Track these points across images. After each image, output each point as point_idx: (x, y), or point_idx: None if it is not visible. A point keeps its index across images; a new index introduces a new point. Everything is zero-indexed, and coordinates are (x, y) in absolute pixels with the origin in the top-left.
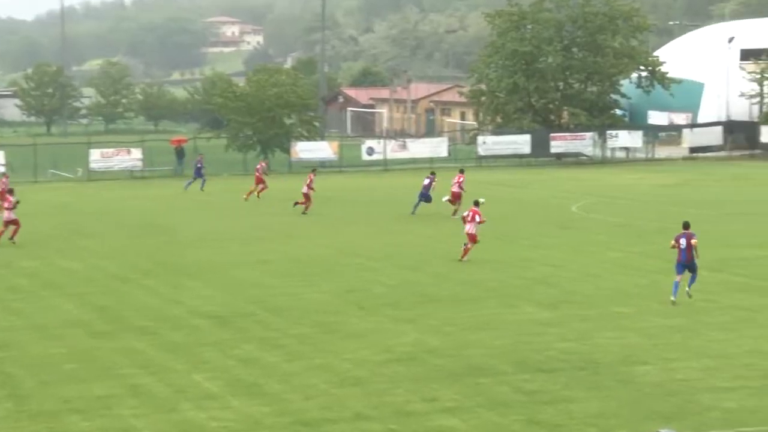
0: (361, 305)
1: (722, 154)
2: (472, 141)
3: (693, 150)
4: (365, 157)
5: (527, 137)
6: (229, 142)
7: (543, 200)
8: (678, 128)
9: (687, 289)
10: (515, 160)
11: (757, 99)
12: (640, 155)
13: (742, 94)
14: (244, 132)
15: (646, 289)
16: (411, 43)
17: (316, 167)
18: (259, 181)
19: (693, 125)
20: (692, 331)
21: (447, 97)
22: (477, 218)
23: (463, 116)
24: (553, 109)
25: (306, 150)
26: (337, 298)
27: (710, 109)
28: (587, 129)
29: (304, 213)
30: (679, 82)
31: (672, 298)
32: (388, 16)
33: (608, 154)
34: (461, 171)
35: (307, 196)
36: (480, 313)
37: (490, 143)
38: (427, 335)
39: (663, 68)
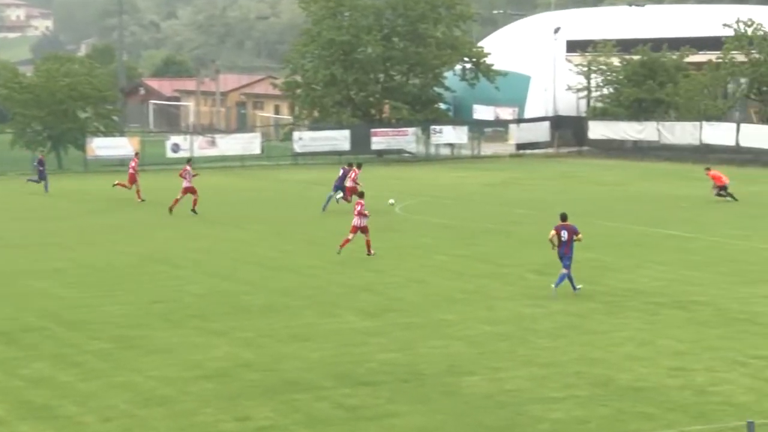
0: (166, 317)
1: (550, 150)
2: (287, 137)
3: (520, 146)
4: (170, 154)
5: (346, 133)
6: (15, 138)
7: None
8: (504, 123)
9: (557, 285)
10: (334, 157)
11: (584, 93)
12: (466, 152)
13: (569, 88)
14: (33, 127)
15: (472, 295)
16: (219, 30)
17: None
18: (133, 179)
19: (520, 120)
20: (520, 338)
21: (259, 89)
22: (358, 208)
23: (277, 110)
24: (374, 103)
25: (103, 147)
26: (139, 309)
27: (537, 104)
28: (410, 124)
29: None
30: (504, 74)
31: (574, 291)
32: (193, 1)
33: (432, 150)
34: (358, 166)
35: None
36: (297, 323)
37: (306, 139)
38: (239, 349)
39: (488, 60)
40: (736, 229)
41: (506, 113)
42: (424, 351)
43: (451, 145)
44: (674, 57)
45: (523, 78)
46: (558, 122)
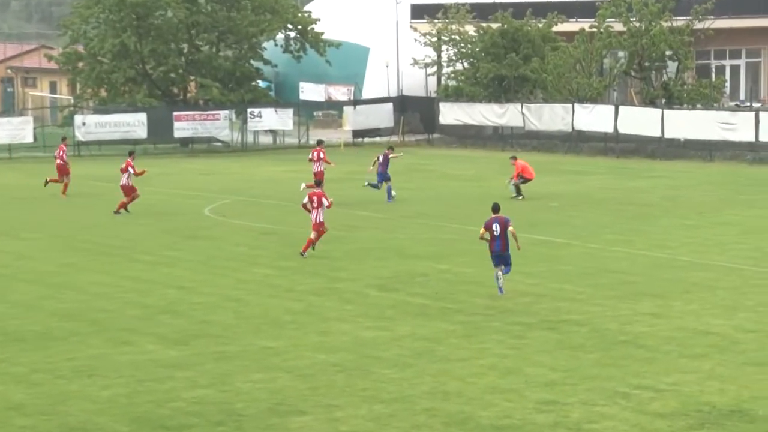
0: None
1: (394, 138)
2: (67, 122)
3: (357, 134)
4: None
5: (142, 116)
6: None
7: (165, 201)
8: (338, 106)
9: (499, 292)
10: (127, 147)
11: (434, 69)
12: (291, 141)
13: (415, 63)
14: None
15: (301, 316)
16: None
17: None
18: (64, 171)
19: (356, 102)
20: (360, 369)
21: (30, 62)
22: (325, 202)
23: (54, 88)
24: (176, 80)
25: None
26: None
27: (378, 82)
28: (222, 106)
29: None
30: (337, 45)
31: (499, 294)
32: None
33: (250, 139)
34: (319, 143)
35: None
36: (82, 355)
37: (91, 125)
38: (8, 387)
39: (316, 27)
40: (616, 233)
41: (340, 93)
42: (243, 386)
43: (272, 132)
44: (540, 25)
45: (360, 50)
46: (403, 104)
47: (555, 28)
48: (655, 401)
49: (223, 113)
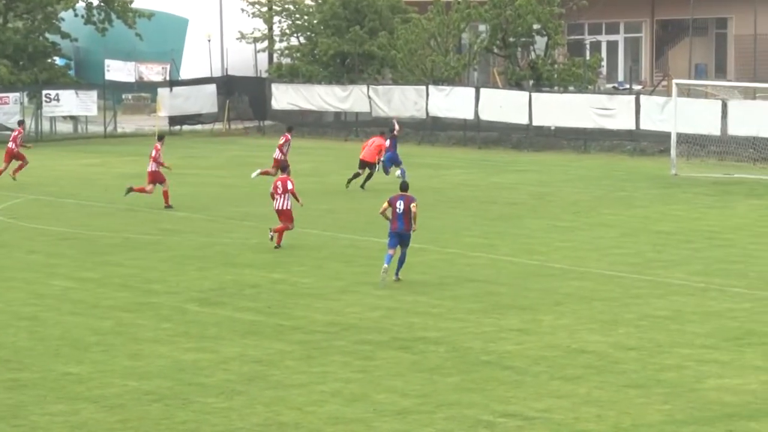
0: None
1: (218, 126)
2: None
3: (174, 121)
4: None
5: None
6: None
7: None
8: (151, 87)
9: (395, 276)
10: None
11: (265, 44)
12: (96, 129)
13: (243, 37)
14: None
15: (109, 337)
16: None
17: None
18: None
19: (173, 83)
20: (179, 397)
21: None
22: (290, 185)
23: None
24: None
25: None
26: None
27: (198, 60)
28: (11, 88)
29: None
30: (150, 16)
31: (382, 275)
32: None
33: (46, 126)
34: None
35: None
36: None
37: None
38: None
39: None
40: (478, 236)
41: (153, 72)
42: (40, 420)
43: (73, 119)
44: None
45: (178, 21)
46: (229, 86)
47: None
48: (524, 430)
49: (13, 96)
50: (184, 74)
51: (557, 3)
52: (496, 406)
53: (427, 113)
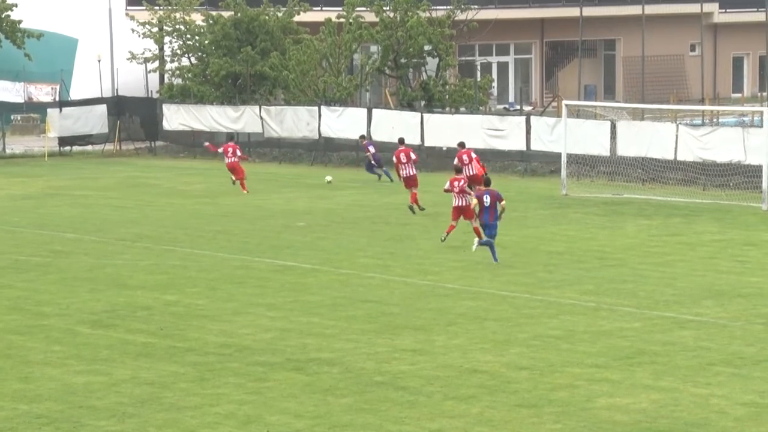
0: None
1: (109, 147)
2: None
3: (64, 141)
4: None
5: None
6: None
7: None
8: (41, 108)
9: (495, 261)
10: None
11: (156, 64)
12: None
13: (133, 57)
14: None
15: None
16: None
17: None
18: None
19: (63, 104)
20: (70, 421)
21: None
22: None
23: None
24: None
25: None
26: None
27: (88, 80)
28: None
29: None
30: (39, 36)
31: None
32: None
33: None
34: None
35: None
36: None
37: None
38: None
39: (13, 14)
40: (371, 256)
41: (43, 93)
42: None
43: None
44: (280, 14)
45: (67, 41)
46: (119, 106)
47: (297, 18)
48: None
49: None
50: (75, 95)
51: (448, 24)
52: (390, 426)
53: (320, 134)
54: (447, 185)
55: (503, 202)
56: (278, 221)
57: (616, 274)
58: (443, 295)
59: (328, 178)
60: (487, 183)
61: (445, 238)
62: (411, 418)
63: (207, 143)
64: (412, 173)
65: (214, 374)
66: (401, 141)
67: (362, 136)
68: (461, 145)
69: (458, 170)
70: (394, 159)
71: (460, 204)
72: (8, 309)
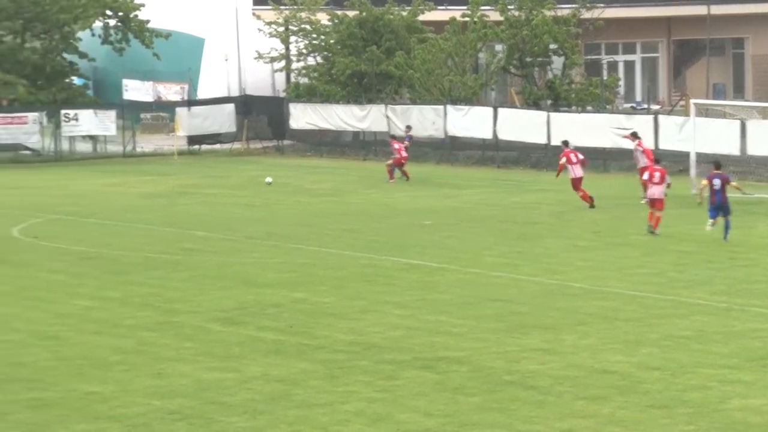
0: None
1: (237, 146)
2: None
3: (193, 140)
4: None
5: None
6: None
7: None
8: (169, 107)
9: (724, 239)
10: None
11: (282, 64)
12: (115, 148)
13: (260, 56)
14: None
15: (132, 356)
16: None
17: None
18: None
19: (191, 102)
20: (203, 417)
21: None
22: (668, 179)
23: None
24: None
25: None
26: None
27: (216, 79)
28: (30, 107)
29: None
30: (167, 36)
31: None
32: None
33: (65, 146)
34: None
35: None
36: None
37: None
38: None
39: (141, 14)
40: (498, 256)
41: (171, 92)
42: None
43: (92, 139)
44: (404, 14)
45: (194, 41)
46: (247, 105)
47: (422, 17)
48: None
49: (32, 116)
50: (202, 94)
51: (573, 23)
52: (519, 425)
53: (446, 132)
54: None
55: (734, 183)
56: (405, 219)
57: (748, 274)
58: (572, 294)
59: (269, 179)
60: (718, 166)
61: (653, 231)
62: (541, 418)
63: None
64: (580, 174)
65: (343, 372)
66: (566, 143)
67: (392, 136)
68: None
69: (656, 160)
70: (563, 159)
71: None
72: (140, 306)
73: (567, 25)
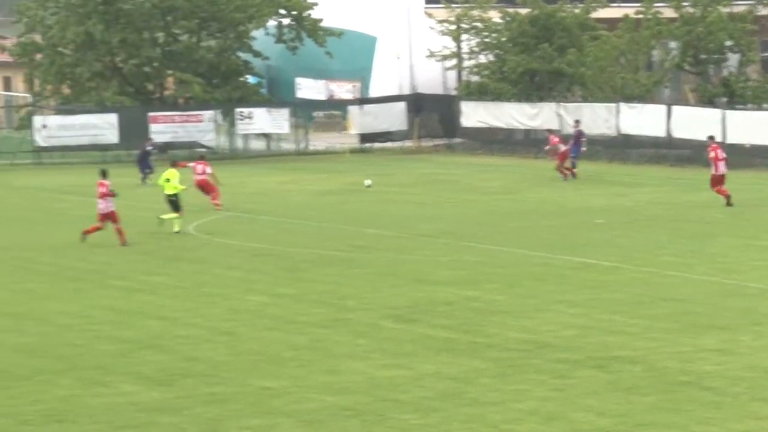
0: None
1: (408, 144)
2: (25, 124)
3: (365, 138)
4: None
5: (112, 118)
6: None
7: (142, 217)
8: (342, 105)
9: None
10: (97, 154)
11: (454, 62)
12: (288, 146)
13: (432, 55)
14: None
15: (305, 352)
16: None
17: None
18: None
19: (363, 101)
20: (375, 414)
21: None
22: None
23: (8, 84)
24: (151, 75)
25: None
26: None
27: (388, 77)
28: (205, 106)
29: None
30: (339, 34)
31: None
32: None
33: (239, 144)
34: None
35: None
36: (49, 396)
37: (53, 127)
38: None
39: (314, 13)
40: (672, 255)
41: (344, 90)
42: None
43: (266, 137)
44: (577, 11)
45: (367, 40)
46: (418, 103)
47: (594, 14)
48: None
49: (207, 114)
50: (373, 92)
51: (750, 20)
52: (694, 427)
53: (618, 131)
54: None
55: None
56: (576, 218)
57: None
58: (748, 294)
59: (368, 182)
60: None
61: None
62: (717, 419)
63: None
64: (723, 171)
65: (515, 370)
66: (712, 138)
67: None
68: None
69: None
70: (712, 154)
71: None
72: (314, 303)
73: (743, 22)
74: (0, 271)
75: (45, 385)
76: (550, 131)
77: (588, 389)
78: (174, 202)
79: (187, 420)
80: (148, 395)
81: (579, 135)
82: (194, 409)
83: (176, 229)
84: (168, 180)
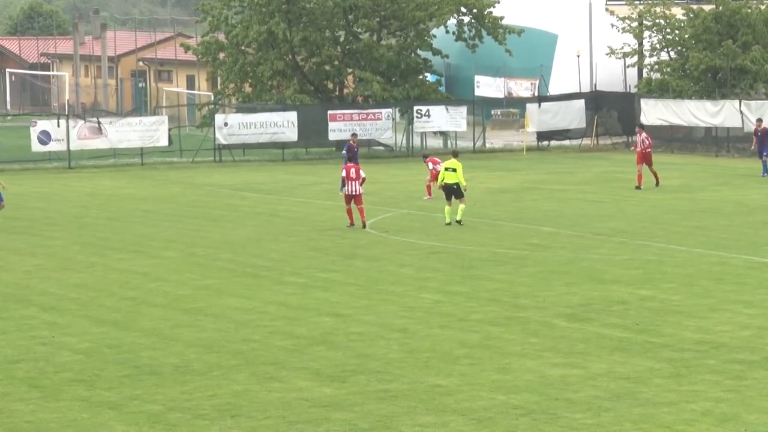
0: (34, 383)
1: (586, 142)
2: (207, 122)
3: (542, 136)
4: (37, 147)
5: (292, 116)
6: None
7: (318, 214)
8: (520, 103)
9: None
10: (276, 152)
11: (634, 59)
12: (465, 144)
13: (612, 52)
14: None
15: (477, 350)
16: None
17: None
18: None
19: (542, 99)
20: (547, 413)
21: (165, 53)
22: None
23: (191, 83)
24: (331, 73)
25: None
26: None
27: (567, 75)
28: (384, 104)
29: None
30: (519, 32)
31: None
32: None
33: (417, 142)
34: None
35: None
36: (224, 391)
37: (235, 125)
38: (142, 428)
39: (495, 11)
40: None
41: (522, 88)
42: (410, 431)
43: (443, 134)
44: (762, 7)
45: (547, 37)
46: (597, 101)
47: None
48: None
49: (385, 112)
50: (553, 90)
51: None
52: None
53: None
54: None
55: None
56: (757, 217)
57: None
58: None
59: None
60: None
61: None
62: None
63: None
64: None
65: (689, 371)
66: None
67: (759, 120)
68: None
69: None
70: None
71: None
72: (487, 300)
73: None
74: (181, 267)
75: (220, 380)
76: (642, 126)
77: (764, 391)
78: (456, 191)
79: (360, 416)
80: (321, 391)
81: (766, 133)
82: (366, 405)
83: (458, 218)
84: (454, 170)
